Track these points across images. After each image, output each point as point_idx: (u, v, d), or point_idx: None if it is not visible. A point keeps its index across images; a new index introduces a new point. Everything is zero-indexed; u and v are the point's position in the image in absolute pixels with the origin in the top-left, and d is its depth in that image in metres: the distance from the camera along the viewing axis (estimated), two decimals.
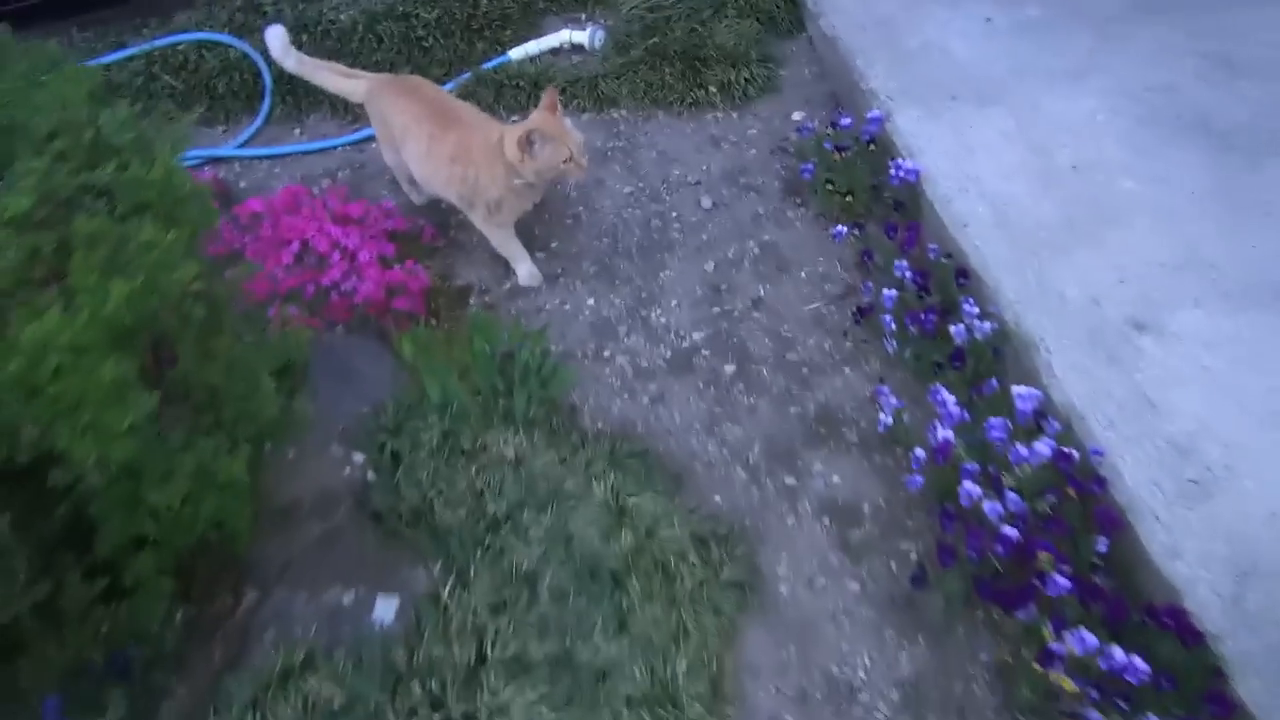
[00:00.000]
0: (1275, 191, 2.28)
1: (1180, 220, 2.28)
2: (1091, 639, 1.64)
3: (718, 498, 2.22)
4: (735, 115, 3.24)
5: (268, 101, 3.50)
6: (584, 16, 3.73)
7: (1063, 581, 1.72)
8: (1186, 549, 1.74)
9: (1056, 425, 1.94)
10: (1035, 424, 1.95)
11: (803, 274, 2.68)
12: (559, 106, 2.44)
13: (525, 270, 2.73)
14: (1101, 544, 1.79)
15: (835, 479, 2.22)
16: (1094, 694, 1.64)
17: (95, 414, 1.18)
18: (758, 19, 3.45)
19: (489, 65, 3.49)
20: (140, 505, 1.53)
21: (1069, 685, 1.68)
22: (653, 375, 2.50)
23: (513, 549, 2.01)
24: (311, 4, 3.83)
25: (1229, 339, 2.03)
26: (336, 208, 2.78)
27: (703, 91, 3.28)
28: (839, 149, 2.70)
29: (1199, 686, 1.57)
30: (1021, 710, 1.80)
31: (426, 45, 3.56)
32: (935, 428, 2.01)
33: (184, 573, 1.84)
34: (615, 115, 3.31)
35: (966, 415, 2.04)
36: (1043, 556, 1.76)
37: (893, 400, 2.17)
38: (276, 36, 2.77)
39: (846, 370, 2.43)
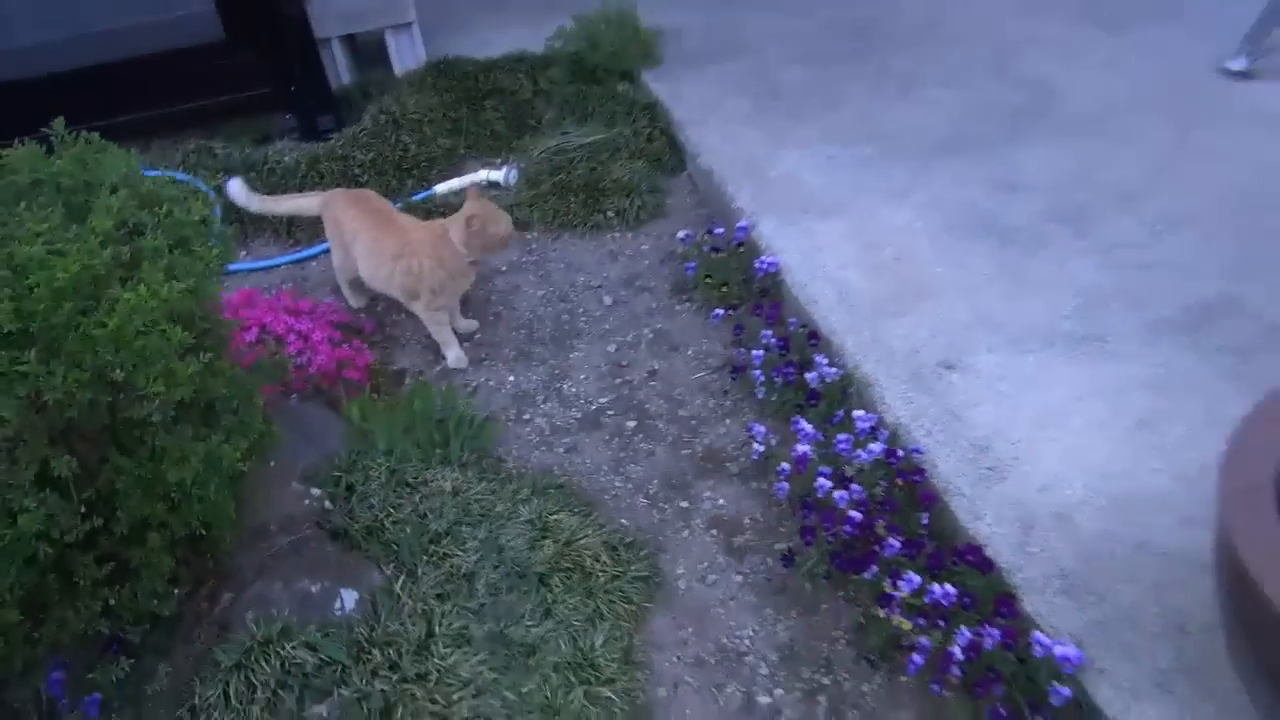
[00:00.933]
0: (1042, 273, 2.97)
1: (976, 293, 2.93)
2: (916, 579, 2.11)
3: (624, 520, 2.65)
4: (630, 235, 3.86)
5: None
6: (499, 160, 4.37)
7: (895, 544, 2.21)
8: (985, 514, 2.26)
9: (886, 433, 2.48)
10: (871, 436, 2.48)
11: (690, 351, 3.23)
12: (479, 194, 3.00)
13: (454, 354, 3.20)
14: (924, 518, 2.29)
15: (720, 501, 2.69)
16: (921, 621, 2.10)
17: (167, 362, 1.58)
18: (647, 160, 4.14)
19: (417, 197, 4.06)
20: (157, 484, 1.89)
21: (905, 624, 2.13)
22: (566, 432, 2.95)
23: (453, 555, 2.39)
24: (258, 148, 4.39)
25: (1013, 371, 2.63)
26: (288, 303, 3.23)
27: (602, 216, 3.90)
28: (715, 250, 3.32)
29: (992, 603, 2.06)
30: (872, 653, 2.24)
31: (362, 181, 4.11)
32: (796, 447, 2.52)
33: (172, 574, 2.16)
34: (528, 237, 3.88)
35: (820, 436, 2.57)
36: (880, 526, 2.25)
37: (762, 430, 2.68)
38: (237, 187, 3.40)
39: (727, 421, 2.94)
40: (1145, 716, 1.83)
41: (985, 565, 2.10)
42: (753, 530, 2.60)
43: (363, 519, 2.46)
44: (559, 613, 2.33)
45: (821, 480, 2.38)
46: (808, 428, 2.56)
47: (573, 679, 2.18)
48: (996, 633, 1.94)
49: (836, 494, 2.34)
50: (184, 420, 1.98)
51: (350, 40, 4.87)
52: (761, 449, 2.67)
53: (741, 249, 3.33)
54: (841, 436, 2.49)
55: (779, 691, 2.22)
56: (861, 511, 2.30)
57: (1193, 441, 2.35)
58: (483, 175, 4.20)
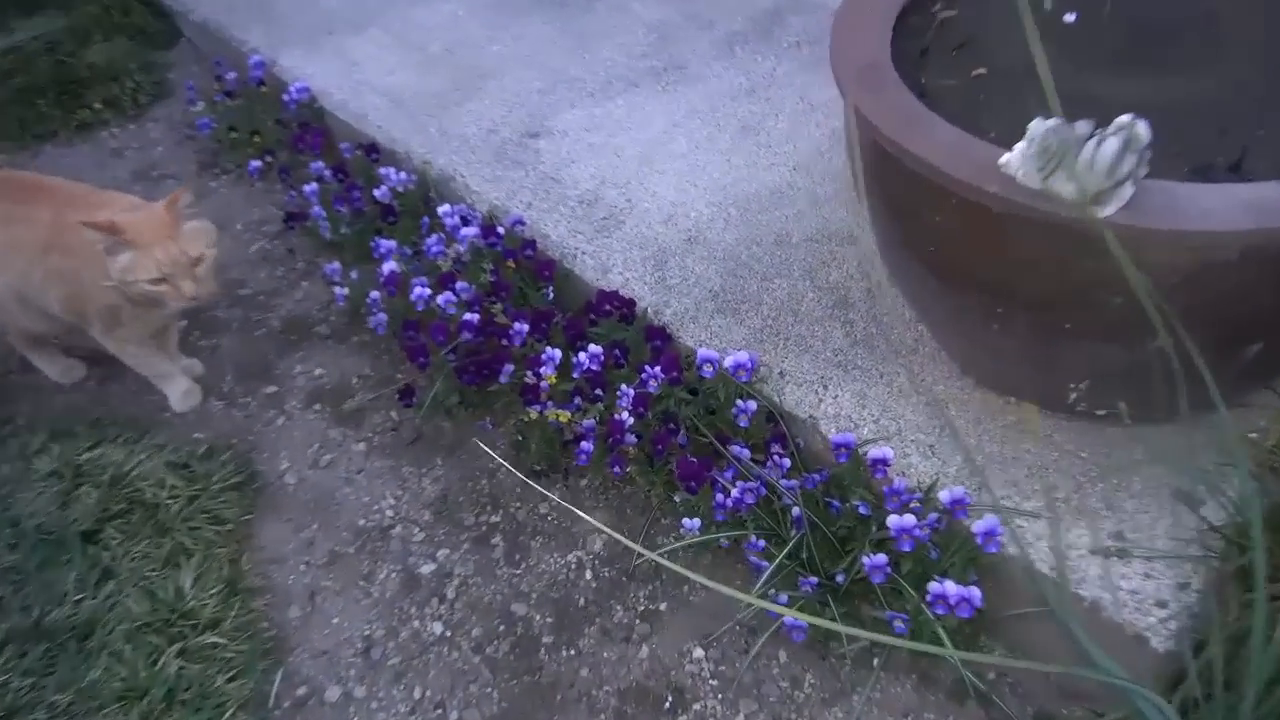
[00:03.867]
0: (606, 23, 2.66)
1: (542, 60, 2.54)
2: (555, 353, 1.71)
3: (198, 434, 2.01)
4: (133, 125, 3.06)
5: None
6: None
7: (521, 327, 1.78)
8: (614, 264, 1.89)
9: (479, 218, 2.03)
10: (463, 224, 2.02)
11: (238, 225, 2.57)
12: (180, 210, 1.72)
13: (178, 391, 2.04)
14: (548, 291, 1.89)
15: (317, 371, 2.12)
16: (578, 403, 1.70)
17: None
18: (128, 36, 3.30)
19: None
20: None
21: (562, 414, 1.73)
22: (94, 363, 2.21)
23: None
24: None
25: (602, 121, 2.29)
26: None
27: (89, 111, 3.05)
28: (229, 95, 2.65)
29: (644, 348, 1.70)
30: (538, 464, 1.83)
31: None
32: (382, 269, 2.00)
33: None
34: None
35: (407, 251, 2.07)
36: (498, 313, 1.81)
37: (337, 268, 2.13)
38: None
39: (303, 283, 2.35)
40: (839, 401, 1.57)
41: (627, 309, 1.73)
42: (364, 387, 2.07)
43: None
44: (122, 569, 1.68)
45: (419, 290, 1.89)
46: (389, 243, 2.05)
47: (159, 641, 1.56)
48: (658, 370, 1.59)
49: (440, 299, 1.86)
50: None
51: None
52: (344, 292, 2.12)
53: (263, 88, 2.68)
54: (430, 240, 2.01)
55: (443, 552, 1.75)
56: (475, 310, 1.85)
57: (797, 131, 2.14)
58: None
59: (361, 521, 1.82)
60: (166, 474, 1.82)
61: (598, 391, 1.68)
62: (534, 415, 1.76)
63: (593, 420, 1.70)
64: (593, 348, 1.67)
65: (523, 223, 1.98)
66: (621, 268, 1.88)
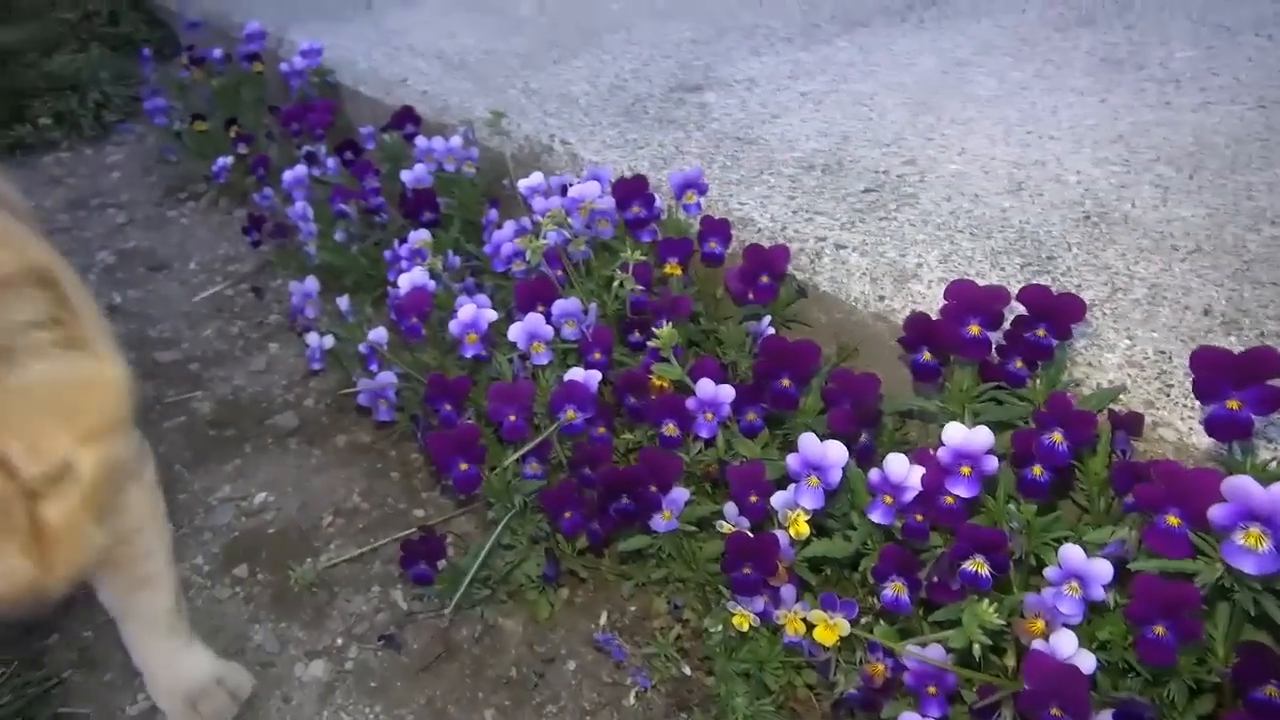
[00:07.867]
0: None
1: (691, 9, 1.58)
2: (830, 458, 0.62)
3: None
4: (90, 149, 2.17)
5: None
6: None
7: (715, 395, 0.70)
8: (920, 261, 0.82)
9: (606, 176, 0.98)
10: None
11: (193, 264, 1.60)
12: None
13: None
14: (762, 325, 0.81)
15: (259, 497, 1.05)
16: (889, 591, 0.60)
17: None
18: (108, 44, 2.46)
19: None
20: None
21: (829, 631, 0.62)
22: None
23: None
24: None
25: (813, 68, 1.28)
26: None
27: (31, 129, 2.17)
28: (196, 62, 1.71)
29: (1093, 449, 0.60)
30: None
31: None
32: (395, 290, 0.95)
33: None
34: None
35: (455, 259, 1.03)
36: (654, 375, 0.73)
37: (310, 292, 1.08)
38: None
39: (271, 346, 1.32)
40: None
41: (1057, 325, 0.64)
42: (348, 533, 0.98)
43: None
44: None
45: (469, 314, 0.83)
46: (416, 238, 1.00)
47: None
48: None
49: (514, 333, 0.80)
50: None
51: None
52: (324, 343, 1.05)
53: (257, 63, 1.74)
54: (504, 230, 0.97)
55: None
56: (598, 358, 0.78)
57: (1219, 58, 1.09)
58: None
59: None
60: None
61: (979, 570, 0.56)
62: (746, 621, 0.65)
63: (950, 669, 0.58)
64: (974, 437, 0.57)
65: (698, 188, 0.92)
66: (939, 266, 0.80)
